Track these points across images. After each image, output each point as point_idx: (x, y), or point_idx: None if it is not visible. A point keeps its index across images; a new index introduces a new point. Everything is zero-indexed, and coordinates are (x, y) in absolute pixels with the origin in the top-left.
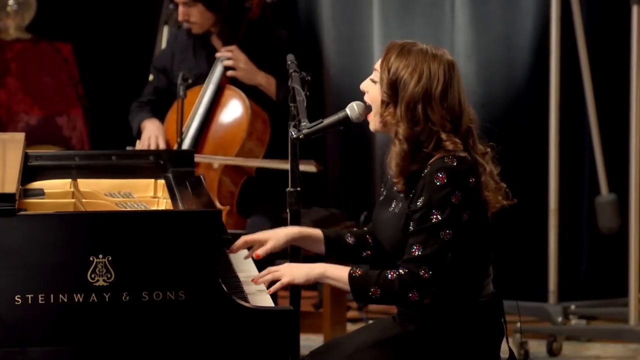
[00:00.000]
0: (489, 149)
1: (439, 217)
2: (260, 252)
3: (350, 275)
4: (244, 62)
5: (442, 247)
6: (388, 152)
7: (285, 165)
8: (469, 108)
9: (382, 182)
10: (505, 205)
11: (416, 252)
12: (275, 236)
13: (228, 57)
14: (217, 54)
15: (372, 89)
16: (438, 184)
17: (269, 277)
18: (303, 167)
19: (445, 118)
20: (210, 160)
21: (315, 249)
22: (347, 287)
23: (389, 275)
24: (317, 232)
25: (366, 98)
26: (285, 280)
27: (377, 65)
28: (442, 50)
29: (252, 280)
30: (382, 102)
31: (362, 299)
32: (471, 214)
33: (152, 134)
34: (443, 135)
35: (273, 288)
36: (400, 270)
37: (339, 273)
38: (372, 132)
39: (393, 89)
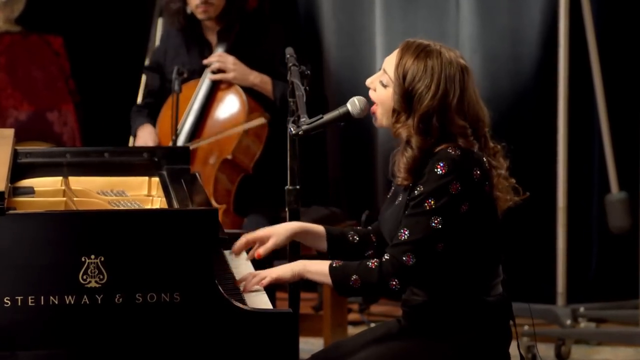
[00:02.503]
0: (499, 147)
1: (432, 204)
2: (262, 251)
3: (330, 266)
4: (232, 63)
5: (430, 235)
6: (395, 152)
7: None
8: (485, 111)
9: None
10: (518, 201)
11: (403, 236)
12: (277, 232)
13: (215, 61)
14: (205, 61)
15: (382, 92)
16: (439, 173)
17: (255, 280)
18: (252, 124)
19: (463, 126)
20: (207, 142)
21: (317, 246)
22: (328, 279)
23: (370, 264)
24: (320, 228)
25: (372, 95)
26: (273, 275)
27: (388, 67)
28: (455, 51)
29: (240, 286)
30: (394, 110)
31: (344, 290)
32: (472, 206)
33: (142, 142)
34: (460, 140)
35: (263, 282)
36: (383, 258)
37: (319, 266)
38: (375, 129)
39: (407, 100)
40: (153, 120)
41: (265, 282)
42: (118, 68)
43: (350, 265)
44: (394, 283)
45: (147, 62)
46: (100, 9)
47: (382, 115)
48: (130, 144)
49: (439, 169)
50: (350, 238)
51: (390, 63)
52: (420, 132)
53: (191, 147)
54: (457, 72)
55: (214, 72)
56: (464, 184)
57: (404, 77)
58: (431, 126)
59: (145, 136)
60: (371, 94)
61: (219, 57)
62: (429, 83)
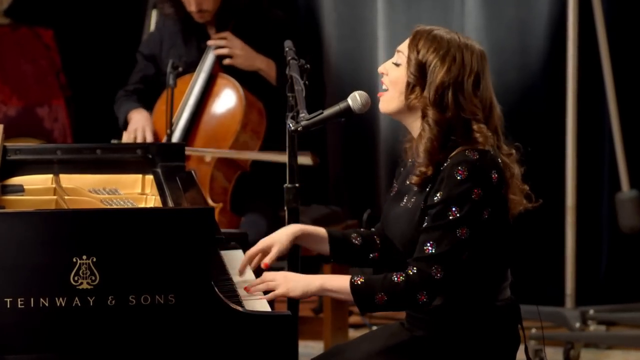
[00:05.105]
0: (513, 150)
1: (457, 213)
2: (268, 260)
3: (352, 284)
4: (240, 48)
5: (457, 246)
6: (409, 140)
7: (283, 158)
8: (497, 105)
9: (394, 176)
10: (530, 207)
11: (429, 249)
12: (279, 239)
13: (221, 45)
14: (209, 42)
15: (394, 71)
16: (458, 178)
17: (262, 286)
18: (298, 160)
19: (476, 107)
20: (202, 153)
21: (318, 249)
22: (349, 297)
23: (395, 278)
24: (321, 230)
25: (384, 80)
26: (280, 291)
27: (402, 48)
28: (471, 39)
29: (245, 289)
30: (408, 84)
31: (368, 308)
32: (492, 211)
33: (138, 125)
34: (475, 126)
35: (267, 297)
36: (409, 271)
37: (339, 283)
38: (377, 125)
39: (421, 71)
40: (143, 107)
41: (270, 296)
42: (111, 61)
43: (374, 280)
44: (422, 297)
45: (141, 47)
46: (92, 0)
47: (391, 98)
48: (124, 139)
49: (458, 174)
50: (354, 240)
51: (404, 44)
52: (435, 105)
53: (207, 159)
54: (474, 55)
55: (220, 57)
56: (484, 189)
57: (418, 51)
58: (446, 100)
59: (140, 120)
60: (384, 79)
61: (226, 42)
62: (444, 56)
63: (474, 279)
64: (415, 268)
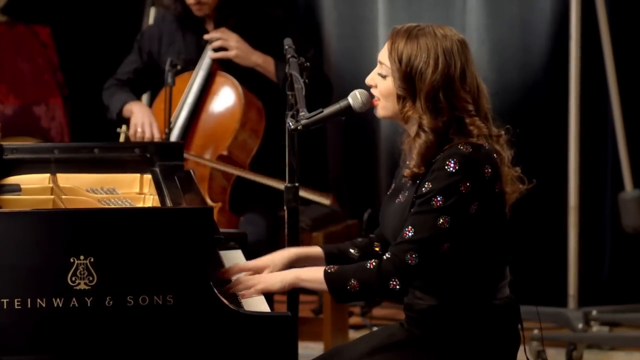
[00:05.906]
0: (502, 132)
1: (441, 203)
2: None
3: (325, 272)
4: (235, 41)
5: (436, 235)
6: (404, 141)
7: (281, 185)
8: (484, 87)
9: (394, 176)
10: (523, 190)
11: (407, 234)
12: (272, 263)
13: (217, 37)
14: (206, 36)
15: (382, 83)
16: (448, 170)
17: (241, 286)
18: (317, 199)
19: (467, 101)
20: (199, 160)
21: None
22: (324, 286)
23: (368, 265)
24: (317, 250)
25: (375, 92)
26: (259, 287)
27: (383, 58)
28: (448, 28)
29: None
30: (399, 97)
31: (342, 296)
32: (482, 206)
33: (145, 121)
34: (467, 120)
35: (247, 293)
36: (384, 257)
37: (314, 273)
38: (377, 124)
39: (409, 81)
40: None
41: (249, 293)
42: (108, 59)
43: (347, 268)
44: (394, 283)
45: (139, 37)
46: None
47: (385, 109)
48: (122, 139)
49: (449, 166)
50: (352, 255)
51: (383, 53)
52: (430, 112)
53: (210, 166)
54: (455, 44)
55: (215, 50)
56: (474, 183)
57: (400, 60)
58: (439, 103)
59: (145, 115)
60: (373, 91)
61: (221, 34)
62: (426, 59)
63: (470, 277)
64: (389, 254)
